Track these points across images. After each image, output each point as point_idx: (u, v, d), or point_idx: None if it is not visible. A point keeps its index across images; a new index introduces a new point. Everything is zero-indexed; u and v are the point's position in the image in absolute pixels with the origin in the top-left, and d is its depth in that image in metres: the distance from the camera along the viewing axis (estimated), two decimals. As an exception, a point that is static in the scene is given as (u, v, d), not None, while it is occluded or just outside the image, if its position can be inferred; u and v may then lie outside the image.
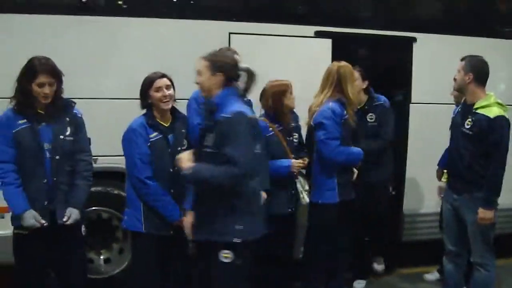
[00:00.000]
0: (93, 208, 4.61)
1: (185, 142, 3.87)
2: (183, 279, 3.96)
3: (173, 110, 3.89)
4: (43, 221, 3.52)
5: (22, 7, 4.53)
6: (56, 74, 3.57)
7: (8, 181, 3.53)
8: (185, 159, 3.37)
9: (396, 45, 5.50)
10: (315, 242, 4.50)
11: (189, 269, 3.90)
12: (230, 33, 4.79)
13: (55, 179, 3.58)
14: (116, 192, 4.66)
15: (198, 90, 4.08)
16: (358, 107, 4.72)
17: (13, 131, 3.52)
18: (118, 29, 4.64)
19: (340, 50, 5.10)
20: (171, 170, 3.75)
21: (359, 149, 4.43)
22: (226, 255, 3.34)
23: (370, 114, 4.93)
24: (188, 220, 3.59)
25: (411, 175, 5.53)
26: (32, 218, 3.50)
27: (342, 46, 5.17)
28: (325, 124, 4.29)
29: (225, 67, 3.39)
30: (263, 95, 4.38)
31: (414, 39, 5.41)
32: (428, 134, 5.36)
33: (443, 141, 4.54)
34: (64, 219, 3.58)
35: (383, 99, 5.00)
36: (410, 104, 5.47)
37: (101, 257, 4.86)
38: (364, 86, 4.94)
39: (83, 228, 3.82)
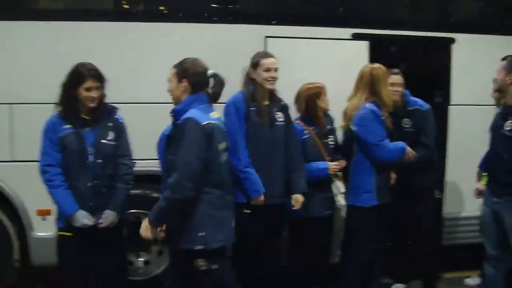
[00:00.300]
0: (132, 210, 4.68)
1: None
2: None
3: None
4: (93, 220, 3.64)
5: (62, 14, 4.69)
6: (102, 79, 3.69)
7: (57, 184, 3.65)
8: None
9: (435, 46, 5.43)
10: (352, 245, 4.47)
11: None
12: (266, 37, 4.81)
13: (97, 182, 3.67)
14: (155, 195, 4.72)
15: (238, 94, 4.15)
16: (392, 111, 4.55)
17: (59, 136, 3.65)
18: (158, 34, 4.72)
19: (378, 52, 5.05)
20: None
21: (400, 142, 4.40)
22: (200, 264, 3.36)
23: (406, 119, 4.77)
24: None
25: (452, 178, 5.42)
26: (84, 217, 3.63)
27: (380, 48, 5.12)
28: (370, 127, 4.28)
29: (189, 73, 3.40)
30: (298, 98, 4.40)
31: (452, 40, 5.32)
32: (468, 136, 5.25)
33: (484, 142, 4.45)
34: (100, 221, 3.67)
35: (419, 102, 4.81)
36: (449, 106, 5.37)
37: (140, 259, 4.92)
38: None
39: (125, 231, 3.91)
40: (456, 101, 5.35)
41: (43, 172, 3.68)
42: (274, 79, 4.17)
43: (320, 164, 4.34)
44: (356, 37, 5.05)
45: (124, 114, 3.90)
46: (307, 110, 4.36)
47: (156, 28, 4.72)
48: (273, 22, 4.92)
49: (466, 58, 5.33)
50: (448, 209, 5.47)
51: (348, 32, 5.05)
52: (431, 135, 4.77)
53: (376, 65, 4.40)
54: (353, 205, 4.39)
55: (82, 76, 3.62)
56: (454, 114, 5.36)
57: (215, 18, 4.86)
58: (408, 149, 4.42)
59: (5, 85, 4.44)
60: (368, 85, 4.34)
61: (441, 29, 5.35)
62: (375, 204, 4.34)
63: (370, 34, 5.09)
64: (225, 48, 4.71)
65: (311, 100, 4.33)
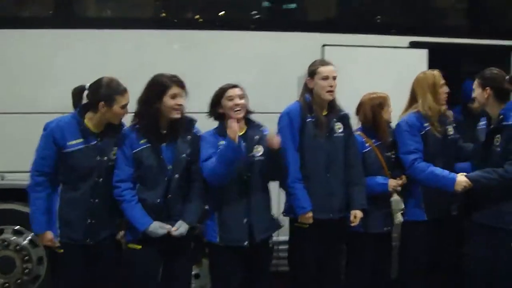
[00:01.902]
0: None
1: (260, 148, 3.76)
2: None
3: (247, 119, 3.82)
4: (168, 226, 3.56)
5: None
6: (184, 87, 3.60)
7: (127, 199, 3.59)
8: None
9: (494, 54, 5.24)
10: (406, 261, 4.31)
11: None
12: (323, 45, 4.70)
13: (170, 196, 3.60)
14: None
15: (293, 104, 4.03)
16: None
17: (134, 152, 3.57)
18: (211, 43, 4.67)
19: (437, 60, 4.89)
20: (245, 177, 3.70)
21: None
22: None
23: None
24: None
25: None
26: (159, 228, 3.55)
27: (439, 57, 4.95)
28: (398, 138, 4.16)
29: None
30: (360, 108, 4.23)
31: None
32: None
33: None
34: (174, 228, 3.59)
35: None
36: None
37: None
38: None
39: (192, 243, 3.86)
40: None
41: (114, 188, 3.61)
42: (333, 87, 3.99)
43: (379, 179, 4.17)
44: (414, 45, 4.92)
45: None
46: (371, 121, 4.20)
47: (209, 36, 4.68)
48: (331, 30, 4.82)
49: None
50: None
51: (406, 40, 4.92)
52: None
53: (427, 71, 4.24)
54: (405, 220, 4.23)
55: (165, 84, 3.53)
56: None
57: (271, 26, 4.78)
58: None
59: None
60: (412, 93, 4.20)
61: (501, 37, 5.19)
62: (425, 219, 4.15)
63: (428, 42, 4.96)
64: (282, 56, 4.63)
65: (374, 110, 4.17)
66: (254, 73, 4.52)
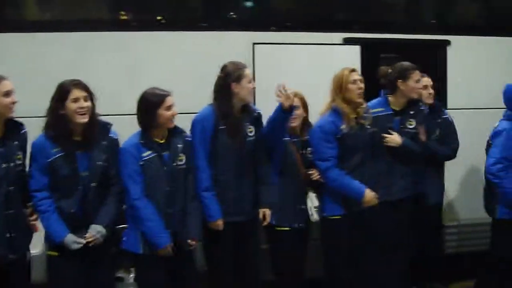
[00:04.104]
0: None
1: (182, 157, 3.75)
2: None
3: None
4: (82, 240, 3.49)
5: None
6: (88, 89, 3.50)
7: (43, 209, 3.51)
8: None
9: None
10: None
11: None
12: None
13: (87, 204, 3.54)
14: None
15: (206, 109, 3.96)
16: None
17: (48, 160, 3.47)
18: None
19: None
20: (168, 188, 3.69)
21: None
22: None
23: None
24: None
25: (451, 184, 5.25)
26: (73, 242, 3.48)
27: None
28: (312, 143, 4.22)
29: None
30: None
31: (448, 42, 5.21)
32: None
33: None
34: (87, 238, 3.52)
35: None
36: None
37: (132, 275, 4.73)
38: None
39: (113, 248, 3.79)
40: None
41: (31, 197, 3.53)
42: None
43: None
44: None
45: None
46: None
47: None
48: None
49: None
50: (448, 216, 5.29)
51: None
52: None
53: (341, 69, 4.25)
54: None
55: (66, 89, 3.45)
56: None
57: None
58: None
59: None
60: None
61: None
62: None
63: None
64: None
65: None
66: (186, 73, 4.53)
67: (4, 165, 3.39)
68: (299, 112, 4.08)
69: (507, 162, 4.30)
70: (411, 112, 4.48)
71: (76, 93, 3.45)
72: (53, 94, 3.50)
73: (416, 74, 4.40)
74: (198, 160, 3.86)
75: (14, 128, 3.48)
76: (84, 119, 3.47)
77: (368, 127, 4.28)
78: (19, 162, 3.50)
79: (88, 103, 3.48)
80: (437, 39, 5.24)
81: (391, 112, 4.45)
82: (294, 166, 4.19)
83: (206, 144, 3.88)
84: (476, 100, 5.24)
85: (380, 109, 4.41)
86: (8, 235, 3.43)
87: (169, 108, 3.64)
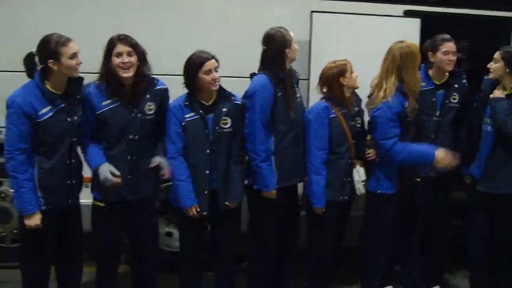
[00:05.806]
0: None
1: (226, 120, 3.80)
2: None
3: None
4: (118, 173, 3.61)
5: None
6: (134, 45, 3.58)
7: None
8: None
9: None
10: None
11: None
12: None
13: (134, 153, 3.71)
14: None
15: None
16: None
17: (97, 113, 3.62)
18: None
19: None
20: (208, 151, 3.77)
21: None
22: None
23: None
24: None
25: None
26: (104, 172, 3.60)
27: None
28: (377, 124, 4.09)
29: None
30: (320, 79, 4.14)
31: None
32: None
33: None
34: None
35: None
36: None
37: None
38: None
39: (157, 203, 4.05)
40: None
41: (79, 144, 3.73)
42: None
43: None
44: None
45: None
46: (332, 91, 4.08)
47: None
48: None
49: None
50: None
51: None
52: None
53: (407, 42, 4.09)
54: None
55: (112, 44, 3.56)
56: None
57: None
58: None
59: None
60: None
61: None
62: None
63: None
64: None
65: (333, 80, 4.03)
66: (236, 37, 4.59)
67: (69, 119, 3.55)
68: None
69: None
70: (456, 86, 4.39)
71: (120, 47, 3.53)
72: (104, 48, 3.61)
73: (446, 46, 4.27)
74: (257, 132, 3.86)
75: (78, 84, 3.61)
76: (127, 74, 3.55)
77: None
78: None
79: (132, 59, 3.54)
80: (505, 16, 5.02)
81: (433, 86, 4.39)
82: (343, 137, 4.12)
83: (266, 114, 3.89)
84: None
85: (421, 84, 4.23)
86: (69, 182, 3.62)
87: (208, 72, 3.67)
